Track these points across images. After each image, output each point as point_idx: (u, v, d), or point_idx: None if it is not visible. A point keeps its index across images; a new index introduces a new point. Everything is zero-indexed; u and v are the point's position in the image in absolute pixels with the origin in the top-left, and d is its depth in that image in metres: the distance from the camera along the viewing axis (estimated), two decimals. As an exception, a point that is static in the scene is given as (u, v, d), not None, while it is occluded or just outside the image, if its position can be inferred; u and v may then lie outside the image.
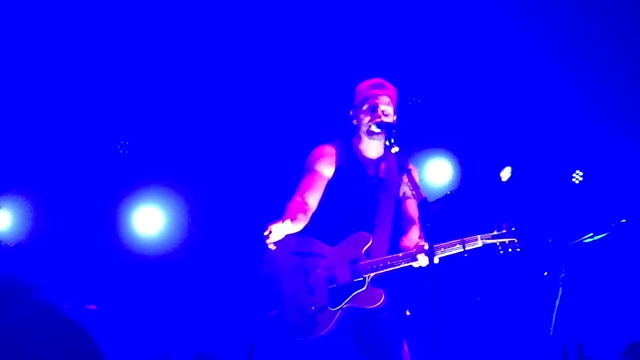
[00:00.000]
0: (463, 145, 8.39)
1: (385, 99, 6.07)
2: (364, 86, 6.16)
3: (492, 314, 7.94)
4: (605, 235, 7.17)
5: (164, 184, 8.07)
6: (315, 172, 6.11)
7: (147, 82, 7.95)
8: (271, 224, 5.70)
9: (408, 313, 7.17)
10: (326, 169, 6.13)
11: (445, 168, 8.36)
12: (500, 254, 5.85)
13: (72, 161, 7.81)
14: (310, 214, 6.02)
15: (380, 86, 6.10)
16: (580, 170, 8.28)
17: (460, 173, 8.37)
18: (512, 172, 8.08)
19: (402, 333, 5.98)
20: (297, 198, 6.06)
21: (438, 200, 5.95)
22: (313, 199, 6.04)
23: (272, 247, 5.64)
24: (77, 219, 7.76)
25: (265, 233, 5.64)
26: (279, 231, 5.69)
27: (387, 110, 6.04)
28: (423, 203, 5.39)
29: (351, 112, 6.20)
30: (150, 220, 8.04)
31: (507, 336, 8.02)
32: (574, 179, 8.30)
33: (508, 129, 8.35)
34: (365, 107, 6.06)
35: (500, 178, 8.12)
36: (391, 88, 6.14)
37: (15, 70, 7.57)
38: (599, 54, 8.19)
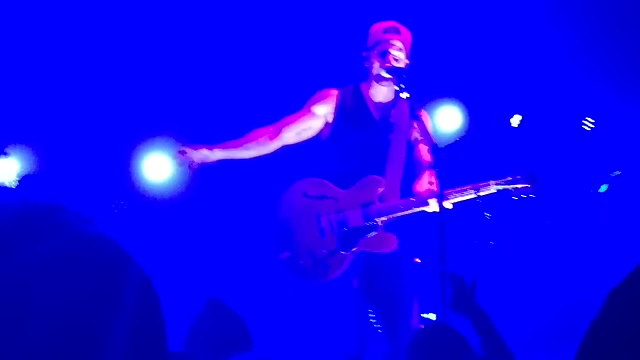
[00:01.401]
0: (473, 92, 8.34)
1: (398, 44, 6.02)
2: (377, 29, 6.10)
3: (502, 264, 7.95)
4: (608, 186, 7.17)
5: (175, 134, 8.06)
6: (307, 110, 6.16)
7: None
8: (192, 146, 5.96)
9: (418, 261, 7.17)
10: (321, 109, 6.14)
11: (456, 115, 8.32)
12: (514, 200, 5.80)
13: (78, 113, 7.80)
14: (277, 145, 6.11)
15: (394, 30, 6.04)
16: (592, 118, 8.23)
17: (471, 120, 8.32)
18: (523, 119, 8.07)
19: (412, 281, 5.98)
20: (268, 128, 6.14)
21: (449, 146, 5.96)
22: (289, 133, 6.11)
23: (183, 165, 5.97)
24: (87, 167, 7.77)
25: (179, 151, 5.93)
26: (199, 156, 5.92)
27: (398, 55, 6.00)
28: (434, 148, 5.38)
29: (364, 54, 6.16)
30: (160, 168, 8.04)
31: (516, 287, 8.04)
32: (585, 126, 8.25)
33: (517, 76, 8.29)
34: (376, 51, 6.02)
35: (510, 124, 8.10)
36: (405, 33, 6.08)
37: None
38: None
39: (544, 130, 8.22)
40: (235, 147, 6.08)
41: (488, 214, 7.34)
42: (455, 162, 5.85)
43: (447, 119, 8.28)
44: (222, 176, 7.94)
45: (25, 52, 7.52)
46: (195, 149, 5.99)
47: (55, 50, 7.61)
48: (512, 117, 8.14)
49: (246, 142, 6.09)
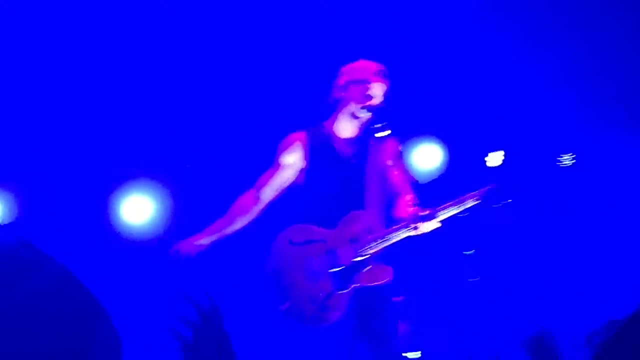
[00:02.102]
0: (451, 130, 8.38)
1: (383, 88, 6.03)
2: (366, 67, 6.09)
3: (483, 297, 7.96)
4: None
5: (154, 175, 8.05)
6: (277, 165, 6.17)
7: (135, 75, 7.92)
8: (184, 241, 6.06)
9: (400, 298, 7.15)
10: (290, 159, 6.16)
11: (434, 153, 8.35)
12: (495, 207, 5.81)
13: (60, 153, 7.77)
14: (260, 207, 6.17)
15: (383, 75, 6.03)
16: (571, 153, 8.27)
17: (449, 158, 8.36)
18: (504, 156, 8.10)
19: (400, 313, 5.97)
20: (247, 195, 6.22)
21: (427, 184, 5.98)
22: (268, 192, 6.17)
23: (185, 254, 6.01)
24: (68, 210, 7.74)
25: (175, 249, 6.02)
26: (193, 247, 5.97)
27: (379, 100, 6.00)
28: (414, 185, 5.41)
29: (340, 83, 6.14)
30: (139, 210, 8.03)
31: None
32: (563, 162, 8.28)
33: (496, 112, 8.35)
34: (361, 89, 6.00)
35: (489, 160, 8.13)
36: (388, 80, 6.09)
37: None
38: (584, 37, 8.21)
39: (522, 166, 8.26)
40: (223, 226, 6.15)
41: (468, 252, 7.36)
42: (432, 191, 5.86)
43: (426, 157, 8.31)
44: (203, 220, 7.94)
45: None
46: (188, 242, 6.01)
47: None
48: (488, 154, 8.17)
49: (231, 218, 6.16)
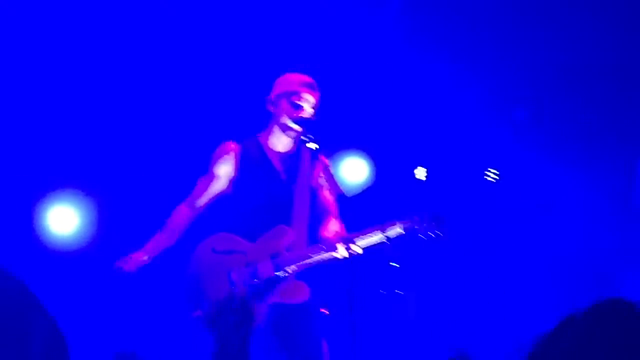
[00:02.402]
0: (378, 143, 8.45)
1: (312, 100, 6.04)
2: (293, 79, 6.09)
3: (412, 310, 8.03)
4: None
5: (78, 185, 7.99)
6: (211, 175, 6.16)
7: (61, 79, 7.86)
8: (131, 255, 6.01)
9: (326, 312, 7.18)
10: (221, 169, 6.14)
11: (361, 166, 8.42)
12: (422, 239, 5.79)
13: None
14: (194, 216, 6.18)
15: (311, 86, 6.04)
16: (495, 169, 8.39)
17: (376, 171, 8.43)
18: (427, 171, 8.19)
19: (323, 330, 5.98)
20: (182, 207, 6.19)
21: (355, 196, 6.01)
22: (202, 202, 6.18)
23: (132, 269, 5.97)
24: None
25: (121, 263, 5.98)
26: (140, 259, 5.99)
27: (309, 111, 6.01)
28: (340, 198, 5.43)
29: (271, 98, 6.17)
30: (64, 220, 7.97)
31: (426, 331, 8.13)
32: (487, 177, 8.40)
33: (422, 126, 8.44)
34: (290, 101, 6.01)
35: (414, 175, 8.21)
36: (318, 91, 6.12)
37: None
38: (509, 50, 8.35)
39: (449, 181, 8.37)
40: (162, 240, 6.11)
41: (395, 264, 7.42)
42: (362, 210, 5.89)
43: (353, 170, 8.37)
44: (132, 231, 7.90)
45: None
46: (133, 258, 6.01)
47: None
48: (416, 167, 8.25)
49: (170, 231, 6.13)
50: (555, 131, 8.40)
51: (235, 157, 6.12)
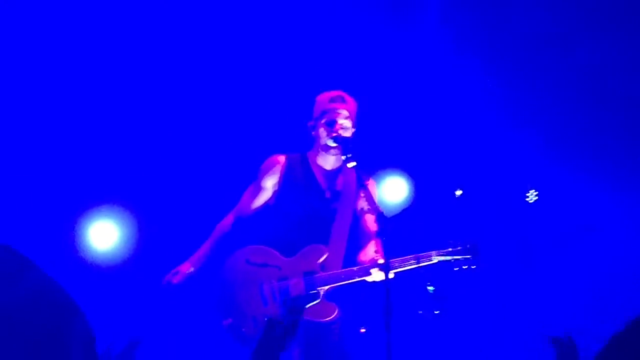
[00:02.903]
0: (419, 163, 8.43)
1: (345, 112, 6.08)
2: (323, 98, 6.16)
3: (450, 329, 7.99)
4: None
5: (119, 200, 8.04)
6: (258, 187, 6.23)
7: (102, 100, 7.93)
8: (178, 268, 6.06)
9: (363, 330, 7.16)
10: (268, 182, 6.21)
11: (401, 185, 8.40)
12: (455, 270, 5.87)
13: (28, 176, 7.75)
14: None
15: (340, 100, 6.10)
16: (535, 190, 8.35)
17: (416, 191, 8.40)
18: (464, 191, 8.15)
19: (354, 349, 5.99)
20: (229, 217, 6.26)
21: (394, 216, 6.00)
22: (248, 213, 6.23)
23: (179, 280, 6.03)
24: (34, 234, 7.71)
25: (171, 277, 6.06)
26: (186, 272, 6.07)
27: (345, 124, 6.05)
28: (380, 217, 5.41)
29: (310, 124, 6.22)
30: (104, 235, 8.02)
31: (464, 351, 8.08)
32: (528, 199, 8.37)
33: (463, 147, 8.41)
34: (323, 121, 6.07)
35: (455, 196, 8.18)
36: (351, 102, 6.14)
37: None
38: (545, 75, 8.31)
39: (487, 202, 8.33)
40: (208, 250, 6.18)
41: (431, 287, 7.40)
42: (400, 231, 5.89)
43: (393, 189, 8.35)
44: (166, 240, 7.93)
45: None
46: (180, 270, 6.07)
47: None
48: (456, 188, 8.22)
49: (216, 242, 6.20)
50: (596, 150, 8.33)
51: (282, 170, 6.16)
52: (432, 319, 7.64)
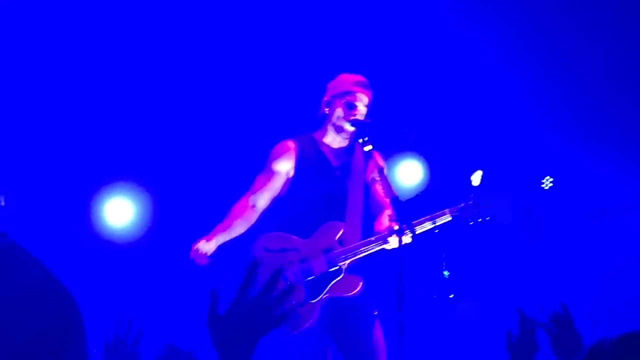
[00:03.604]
0: (434, 147, 8.44)
1: (365, 99, 6.09)
2: (347, 78, 6.15)
3: (462, 312, 8.02)
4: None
5: (135, 178, 8.09)
6: (270, 172, 6.15)
7: (120, 78, 7.95)
8: (195, 243, 5.93)
9: (376, 312, 7.19)
10: (282, 166, 6.16)
11: (416, 169, 8.40)
12: (470, 224, 5.89)
13: (43, 154, 7.79)
14: (256, 214, 6.11)
15: (364, 86, 6.09)
16: (550, 177, 8.35)
17: (431, 175, 8.41)
18: (483, 176, 8.15)
19: (375, 324, 5.99)
20: (243, 200, 6.15)
21: (409, 200, 6.02)
22: (262, 200, 6.11)
23: (204, 261, 5.89)
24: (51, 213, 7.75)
25: (192, 254, 5.89)
26: (207, 247, 5.89)
27: (363, 111, 6.06)
28: (394, 201, 5.44)
29: (326, 99, 6.22)
30: (121, 212, 8.07)
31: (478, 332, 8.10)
32: (543, 185, 8.37)
33: (478, 130, 8.41)
34: (343, 101, 6.07)
35: (471, 182, 8.18)
36: (371, 90, 6.16)
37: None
38: (567, 61, 8.28)
39: (503, 188, 8.33)
40: (224, 230, 6.07)
41: (446, 272, 7.42)
42: (416, 213, 5.89)
43: (408, 173, 8.36)
44: (181, 217, 7.97)
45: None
46: (198, 248, 5.97)
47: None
48: (473, 173, 8.22)
49: (231, 222, 6.08)
50: (612, 133, 8.32)
51: (295, 155, 6.15)
52: (446, 303, 7.67)
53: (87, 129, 7.88)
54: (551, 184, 8.30)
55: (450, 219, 5.87)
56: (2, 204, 7.37)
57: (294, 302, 5.82)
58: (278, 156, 6.19)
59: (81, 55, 7.76)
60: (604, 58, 8.16)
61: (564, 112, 8.31)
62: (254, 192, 6.16)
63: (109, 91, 7.92)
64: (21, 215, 7.51)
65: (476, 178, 8.12)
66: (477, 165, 8.19)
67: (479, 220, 5.89)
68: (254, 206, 6.13)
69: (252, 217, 6.14)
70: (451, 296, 7.69)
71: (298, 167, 6.13)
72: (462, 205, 5.90)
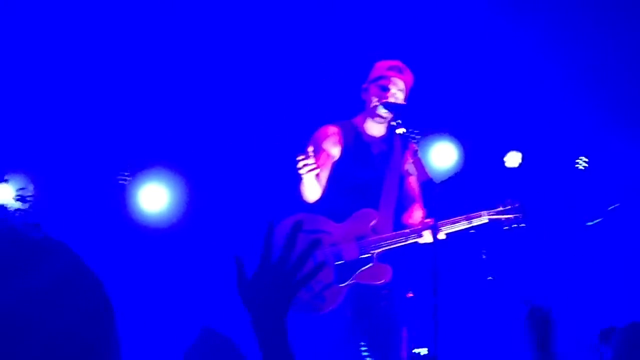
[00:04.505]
0: (469, 129, 8.41)
1: (400, 83, 6.07)
2: (382, 65, 6.15)
3: (494, 297, 7.98)
4: (600, 220, 7.29)
5: (169, 164, 8.12)
6: (323, 151, 6.04)
7: (155, 66, 7.98)
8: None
9: (411, 294, 7.19)
10: (333, 149, 6.10)
11: (451, 151, 8.38)
12: (505, 229, 5.98)
13: (76, 142, 7.84)
14: (321, 190, 5.92)
15: (397, 69, 6.09)
16: (585, 157, 8.30)
17: (465, 156, 8.38)
18: (522, 157, 8.12)
19: (403, 313, 6.02)
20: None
21: (444, 182, 6.01)
22: (323, 177, 5.94)
23: (304, 171, 5.50)
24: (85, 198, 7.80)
25: (302, 158, 5.47)
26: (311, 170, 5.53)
27: (397, 94, 6.05)
28: (429, 183, 5.45)
29: (364, 86, 6.20)
30: (155, 198, 8.12)
31: (506, 321, 8.07)
32: (578, 165, 8.32)
33: (513, 113, 8.37)
34: (377, 85, 6.07)
35: (504, 162, 8.16)
36: (408, 74, 6.12)
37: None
38: (603, 42, 8.22)
39: (538, 168, 8.29)
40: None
41: (484, 254, 7.42)
42: (449, 196, 5.90)
43: (442, 155, 8.34)
44: (216, 209, 8.00)
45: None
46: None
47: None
48: (506, 154, 8.19)
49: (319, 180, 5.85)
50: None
51: (340, 139, 6.13)
52: (484, 285, 7.66)
53: (122, 116, 7.91)
54: (586, 164, 8.25)
55: (486, 221, 5.95)
56: (31, 193, 7.42)
57: (319, 284, 5.84)
58: (326, 138, 6.12)
59: (117, 44, 7.80)
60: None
61: (600, 93, 8.24)
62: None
63: (144, 78, 7.96)
64: (55, 204, 7.56)
65: (511, 159, 8.12)
66: (512, 146, 8.20)
67: (514, 226, 5.98)
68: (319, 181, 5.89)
69: (321, 191, 5.91)
70: (490, 278, 7.68)
71: (343, 152, 6.11)
72: (500, 209, 5.98)
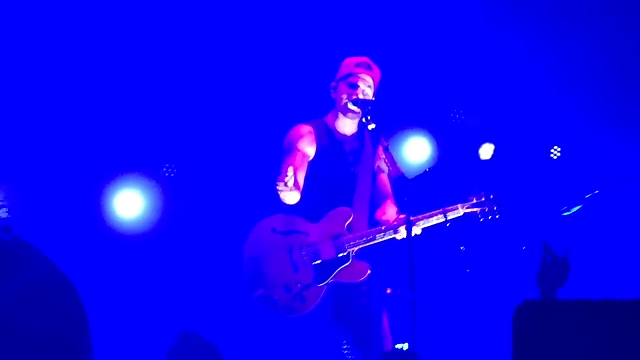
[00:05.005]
0: (441, 123, 8.42)
1: (368, 79, 6.08)
2: (349, 62, 6.15)
3: (473, 290, 8.00)
4: (579, 208, 7.30)
5: (145, 170, 8.10)
6: (298, 151, 6.02)
7: (127, 72, 7.95)
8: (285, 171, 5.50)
9: (389, 291, 7.20)
10: (308, 149, 6.09)
11: (424, 146, 8.39)
12: (481, 221, 6.05)
13: (54, 149, 7.80)
14: (299, 194, 5.84)
15: (365, 66, 6.09)
16: (558, 146, 8.33)
17: (438, 151, 8.39)
18: (494, 149, 8.14)
19: (383, 308, 6.03)
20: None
21: (417, 177, 6.02)
22: (300, 178, 5.90)
23: (285, 191, 5.53)
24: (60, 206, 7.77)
25: (286, 180, 5.43)
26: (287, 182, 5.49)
27: (366, 91, 6.05)
28: (401, 178, 5.45)
29: (332, 85, 6.21)
30: (130, 204, 8.09)
31: (485, 311, 8.08)
32: (551, 155, 8.35)
33: (485, 105, 8.39)
34: (345, 83, 6.07)
35: (478, 156, 8.17)
36: (376, 71, 6.13)
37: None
38: (570, 31, 8.25)
39: (512, 159, 8.30)
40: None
41: (462, 247, 7.44)
42: (424, 190, 5.92)
43: (416, 150, 8.35)
44: (192, 212, 7.98)
45: None
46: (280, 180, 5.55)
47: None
48: (480, 147, 8.21)
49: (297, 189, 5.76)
50: (622, 107, 8.28)
51: (314, 138, 6.13)
52: (462, 277, 7.68)
53: (96, 122, 7.88)
54: (559, 154, 8.28)
55: (461, 214, 6.01)
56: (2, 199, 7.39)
57: (298, 285, 5.85)
58: (301, 137, 6.11)
59: (93, 50, 7.77)
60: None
61: (570, 82, 8.27)
62: (295, 170, 5.72)
63: (118, 84, 7.93)
64: (29, 209, 7.52)
65: (485, 151, 8.14)
66: (484, 139, 8.22)
67: (490, 217, 6.04)
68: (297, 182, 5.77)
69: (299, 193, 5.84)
70: (467, 271, 7.70)
71: (317, 151, 6.11)
72: (475, 201, 6.03)
